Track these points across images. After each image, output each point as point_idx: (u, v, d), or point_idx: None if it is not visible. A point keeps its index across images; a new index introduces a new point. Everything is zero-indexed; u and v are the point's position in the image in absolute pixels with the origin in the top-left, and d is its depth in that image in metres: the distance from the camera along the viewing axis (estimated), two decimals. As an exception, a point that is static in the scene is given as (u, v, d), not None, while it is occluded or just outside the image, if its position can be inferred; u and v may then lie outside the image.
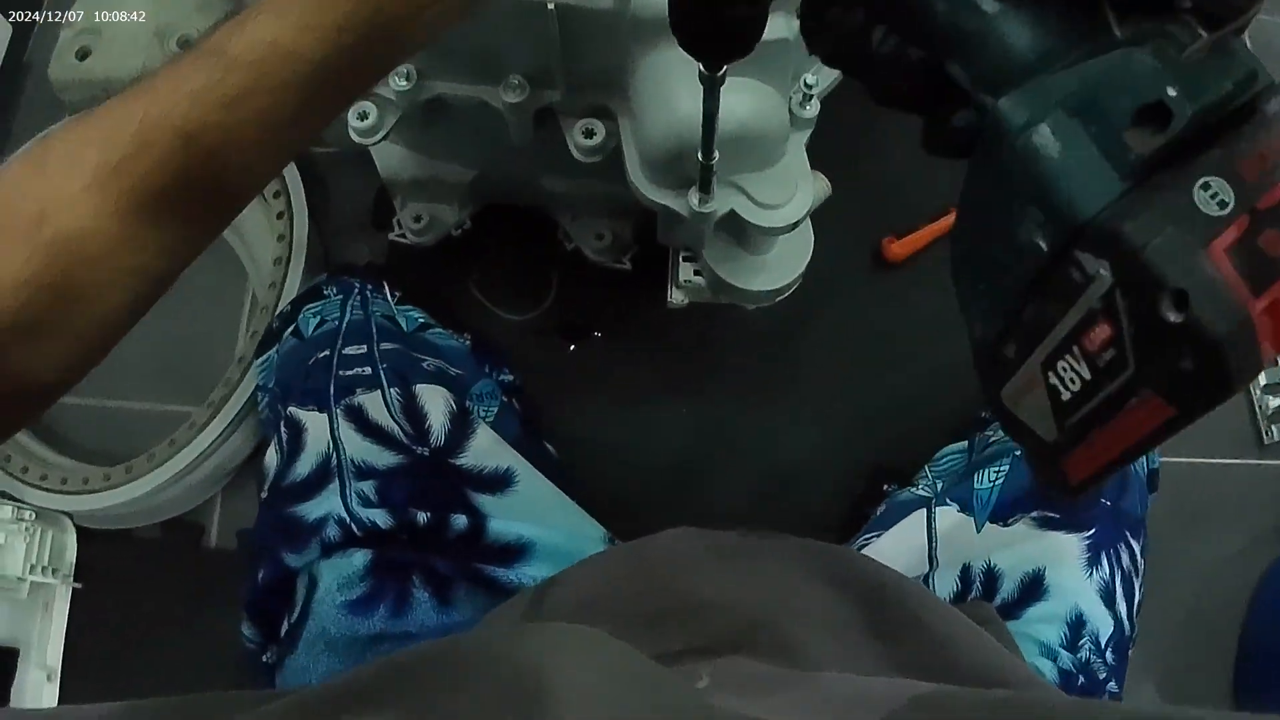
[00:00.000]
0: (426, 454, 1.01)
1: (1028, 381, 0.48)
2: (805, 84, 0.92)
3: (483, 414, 1.09)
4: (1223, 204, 0.40)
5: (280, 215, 1.37)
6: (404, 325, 1.16)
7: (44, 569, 1.39)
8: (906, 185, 1.49)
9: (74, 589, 1.43)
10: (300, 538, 0.97)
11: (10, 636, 1.39)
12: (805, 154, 0.95)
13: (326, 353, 1.07)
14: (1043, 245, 0.44)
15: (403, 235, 1.34)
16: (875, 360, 1.45)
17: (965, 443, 1.23)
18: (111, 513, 1.36)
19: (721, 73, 0.64)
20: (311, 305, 1.14)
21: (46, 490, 1.34)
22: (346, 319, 1.11)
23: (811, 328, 1.42)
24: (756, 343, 1.45)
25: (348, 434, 1.01)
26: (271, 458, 1.06)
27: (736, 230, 0.99)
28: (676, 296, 1.10)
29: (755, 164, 0.91)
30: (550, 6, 0.82)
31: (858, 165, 1.47)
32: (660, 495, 1.40)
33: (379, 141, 1.01)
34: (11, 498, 1.35)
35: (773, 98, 0.88)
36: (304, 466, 1.01)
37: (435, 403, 1.04)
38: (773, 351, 1.45)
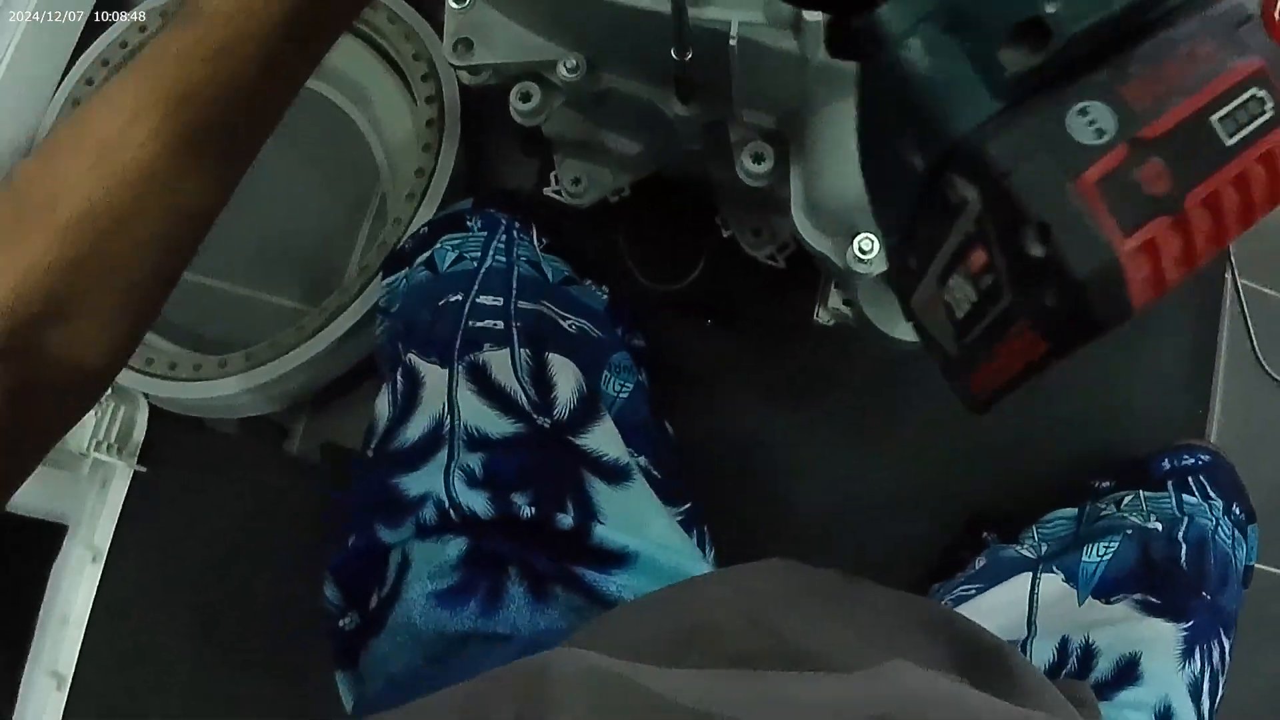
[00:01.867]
0: (547, 425, 0.97)
1: (930, 295, 0.47)
2: None
3: (617, 388, 1.06)
4: (1100, 132, 0.38)
5: (430, 123, 1.31)
6: (549, 275, 1.11)
7: (109, 447, 1.35)
8: None
9: (136, 471, 1.39)
10: (397, 512, 0.93)
11: (61, 512, 1.36)
12: None
13: (459, 297, 1.02)
14: (918, 164, 0.43)
15: (558, 192, 1.31)
16: (1011, 407, 1.39)
17: (1075, 510, 1.24)
18: (194, 404, 1.32)
19: None
20: (451, 236, 1.09)
21: (130, 369, 1.30)
22: (487, 263, 1.06)
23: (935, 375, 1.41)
24: (883, 367, 1.44)
25: (465, 396, 0.97)
26: (383, 406, 1.02)
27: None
28: (823, 316, 1.09)
29: None
30: (731, 42, 0.83)
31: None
32: (755, 499, 1.40)
33: (540, 124, 1.03)
34: None
35: None
36: (415, 429, 0.97)
37: (565, 376, 1.00)
38: (894, 378, 1.44)
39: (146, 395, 1.34)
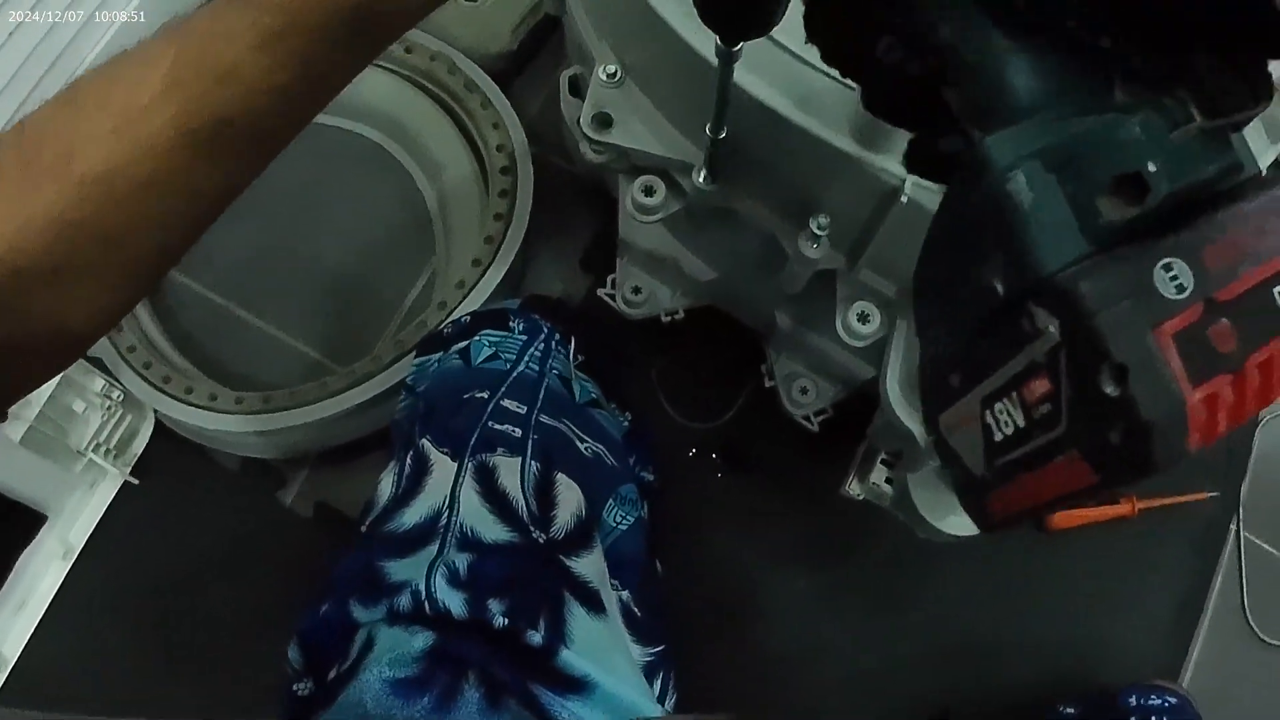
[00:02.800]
0: (541, 540, 0.97)
1: (966, 414, 0.49)
2: None
3: (618, 519, 1.07)
4: (1180, 288, 0.41)
5: (498, 216, 1.33)
6: (576, 393, 1.11)
7: (106, 451, 1.36)
8: None
9: (127, 482, 1.40)
10: (375, 593, 0.93)
11: (44, 502, 1.37)
12: None
13: (485, 394, 1.03)
14: (1000, 289, 0.45)
15: (612, 296, 1.28)
16: (1003, 614, 1.46)
17: None
18: (200, 431, 1.33)
19: (737, 48, 0.67)
20: (492, 332, 1.10)
21: (147, 381, 1.31)
22: (520, 368, 1.07)
23: (955, 558, 1.43)
24: (899, 549, 1.44)
25: (469, 495, 0.97)
26: (387, 484, 1.02)
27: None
28: (854, 489, 1.08)
29: None
30: (903, 199, 0.80)
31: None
32: (729, 650, 1.40)
33: (652, 223, 1.01)
34: (108, 373, 1.32)
35: None
36: (412, 515, 0.97)
37: (569, 498, 1.00)
38: (908, 561, 1.44)
39: (156, 411, 1.35)
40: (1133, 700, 1.23)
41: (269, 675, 0.99)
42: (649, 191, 1.00)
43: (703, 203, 0.97)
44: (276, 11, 0.57)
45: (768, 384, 1.30)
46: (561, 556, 0.98)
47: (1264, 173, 0.45)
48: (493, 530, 0.95)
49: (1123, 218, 0.43)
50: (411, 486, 0.99)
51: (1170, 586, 1.48)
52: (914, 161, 0.59)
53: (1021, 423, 0.45)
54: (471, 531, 0.94)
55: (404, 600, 0.90)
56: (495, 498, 0.97)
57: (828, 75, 0.79)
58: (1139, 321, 0.40)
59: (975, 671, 1.42)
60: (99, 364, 1.32)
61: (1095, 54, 0.48)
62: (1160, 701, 1.23)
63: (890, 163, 0.80)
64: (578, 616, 0.95)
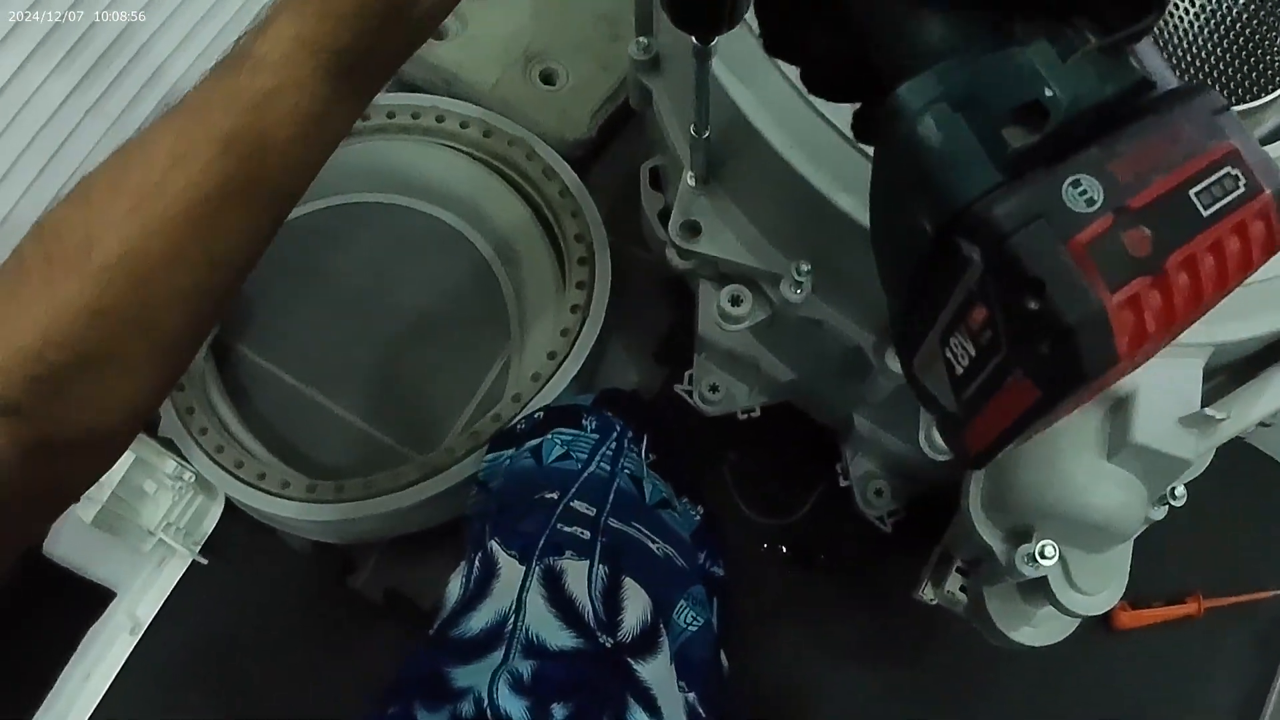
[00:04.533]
0: (609, 645, 0.97)
1: (930, 354, 0.52)
2: (1174, 494, 0.90)
3: (688, 620, 1.07)
4: (1090, 201, 0.43)
5: (574, 309, 1.34)
6: (647, 494, 1.12)
7: (176, 530, 1.38)
8: (1146, 549, 1.45)
9: (196, 561, 1.42)
10: (439, 698, 0.93)
11: (114, 580, 1.40)
12: (1132, 550, 0.95)
13: (555, 495, 1.04)
14: (928, 228, 0.48)
15: (689, 392, 1.29)
16: (1067, 715, 1.46)
17: None
18: (272, 517, 1.34)
19: (712, 45, 0.72)
20: (564, 431, 1.11)
21: (220, 466, 1.32)
22: (591, 468, 1.08)
23: (1021, 658, 1.33)
24: (966, 650, 1.42)
25: (535, 600, 0.97)
26: (455, 586, 1.03)
27: (1029, 585, 0.96)
28: (928, 594, 1.08)
29: (1089, 546, 0.91)
30: None
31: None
32: None
33: (738, 332, 1.02)
34: (181, 455, 1.34)
35: (1142, 500, 0.87)
36: (479, 621, 0.97)
37: (636, 602, 1.00)
38: (975, 663, 1.43)
39: (229, 496, 1.36)
40: None
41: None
42: (736, 301, 1.01)
43: (790, 314, 0.98)
44: (266, 73, 0.59)
45: (842, 483, 1.30)
46: (628, 659, 0.97)
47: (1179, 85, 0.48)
48: (558, 637, 0.95)
49: (1027, 144, 0.46)
50: (479, 590, 0.99)
51: (1234, 686, 1.47)
52: (859, 132, 0.62)
53: (973, 352, 0.48)
54: (537, 638, 0.95)
55: (467, 708, 0.91)
56: (561, 603, 0.97)
57: None
58: (1050, 237, 0.43)
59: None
60: (171, 445, 1.34)
61: (994, -1, 0.51)
62: None
63: None
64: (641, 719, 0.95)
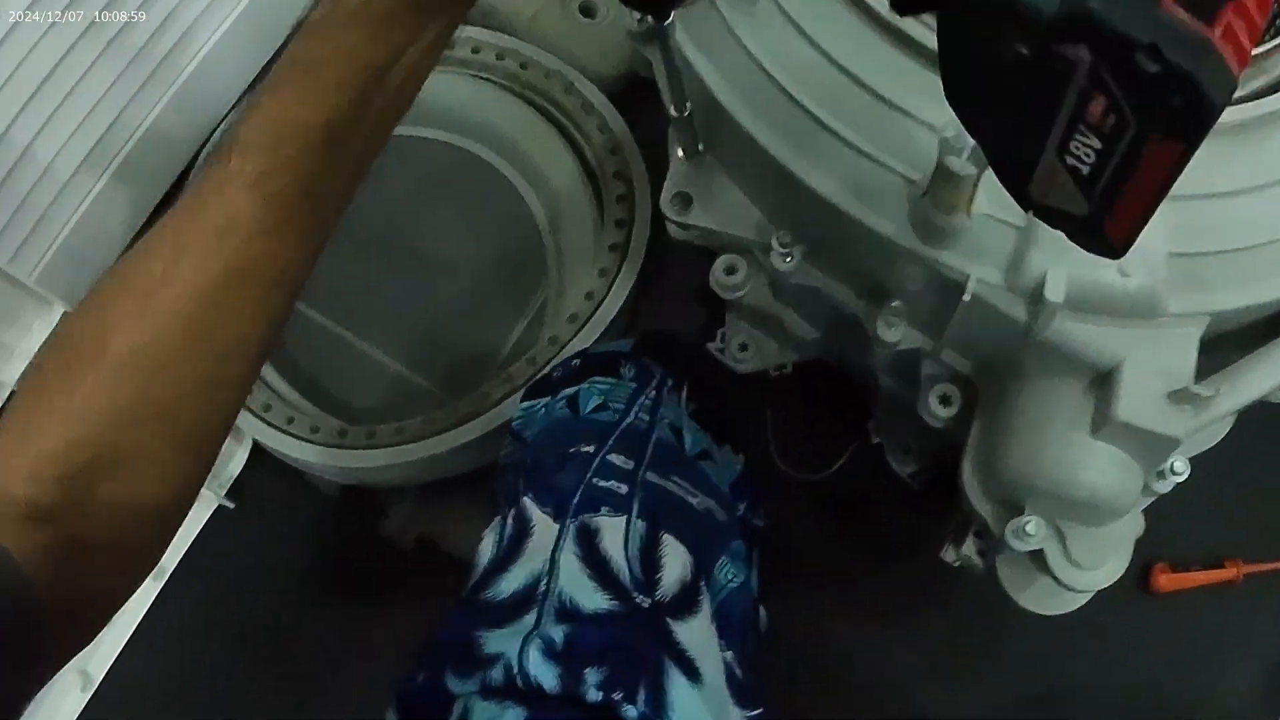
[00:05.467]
0: (646, 604, 0.96)
1: (1048, 172, 0.55)
2: (1174, 469, 0.89)
3: (729, 576, 1.05)
4: None
5: (613, 248, 1.32)
6: (687, 444, 1.10)
7: None
8: (1189, 512, 1.41)
9: (222, 505, 1.42)
10: (470, 664, 0.92)
11: None
12: (1140, 520, 0.95)
13: (591, 449, 1.02)
14: (1025, 51, 0.49)
15: (721, 350, 1.29)
16: (1099, 672, 1.45)
17: None
18: (301, 461, 1.34)
19: (669, 21, 0.76)
20: (601, 381, 1.09)
21: (246, 409, 1.31)
22: (629, 419, 1.06)
23: (1051, 624, 1.29)
24: (995, 614, 1.32)
25: (569, 560, 0.96)
26: (488, 545, 1.02)
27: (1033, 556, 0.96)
28: (950, 555, 1.08)
29: (1085, 520, 0.90)
30: (966, 298, 0.83)
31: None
32: (828, 709, 1.40)
33: (738, 298, 1.04)
34: None
35: (1136, 476, 0.87)
36: (510, 582, 0.96)
37: (675, 560, 0.99)
38: (1005, 627, 1.42)
39: (256, 440, 1.36)
40: None
41: (356, 703, 1.02)
42: (731, 271, 1.05)
43: (783, 282, 1.00)
44: (254, 156, 0.62)
45: (873, 440, 1.31)
46: (667, 619, 0.96)
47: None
48: (592, 599, 0.94)
49: None
50: (512, 549, 0.98)
51: (1269, 654, 1.46)
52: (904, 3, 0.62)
53: (1099, 145, 0.50)
54: (571, 600, 0.93)
55: (497, 673, 0.89)
56: (596, 563, 0.96)
57: (891, 170, 0.84)
58: (1144, 5, 0.45)
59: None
60: None
61: None
62: None
63: (953, 258, 0.84)
64: (678, 686, 0.93)
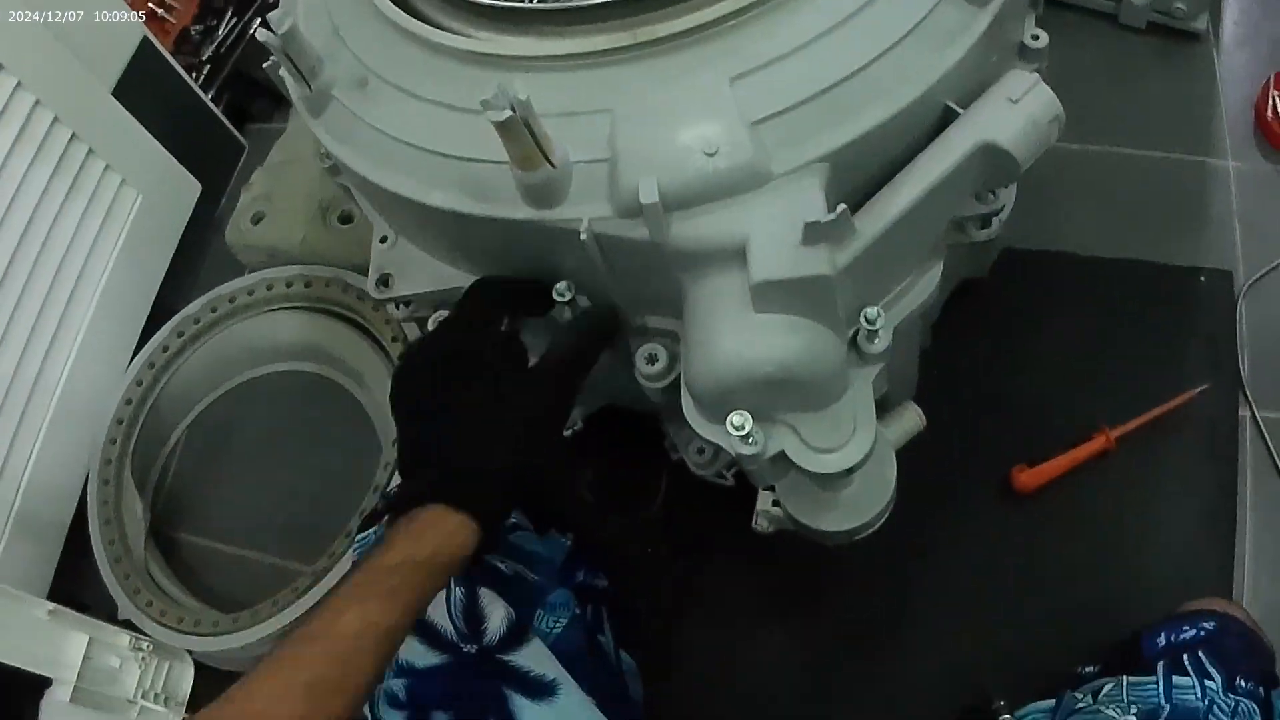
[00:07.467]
0: (473, 651, 1.03)
1: None
2: (866, 319, 0.89)
3: (550, 624, 1.12)
4: None
5: None
6: None
7: (156, 696, 1.48)
8: (1042, 410, 1.44)
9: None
10: None
11: None
12: (871, 391, 0.91)
13: None
14: None
15: None
16: (990, 597, 1.37)
17: (1052, 701, 1.15)
18: (217, 656, 1.49)
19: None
20: None
21: (165, 626, 1.48)
22: None
23: (928, 560, 1.39)
24: (866, 569, 1.40)
25: None
26: None
27: (790, 468, 0.93)
28: (761, 523, 1.08)
29: (807, 405, 0.88)
30: (582, 237, 0.86)
31: (988, 388, 1.48)
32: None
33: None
34: (134, 628, 1.48)
35: (822, 337, 0.84)
36: None
37: (496, 608, 1.05)
38: (883, 580, 1.40)
39: (190, 652, 1.51)
40: (1160, 641, 1.08)
41: None
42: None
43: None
44: (347, 652, 0.76)
45: (674, 457, 1.31)
46: (498, 655, 1.02)
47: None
48: (424, 659, 1.02)
49: None
50: None
51: (1189, 502, 1.37)
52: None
53: None
54: (405, 662, 1.01)
55: None
56: (423, 628, 1.03)
57: (482, 161, 0.87)
58: None
59: (996, 665, 1.31)
60: (128, 624, 1.48)
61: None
62: (1193, 633, 1.08)
63: (567, 210, 0.86)
64: (524, 707, 1.00)
